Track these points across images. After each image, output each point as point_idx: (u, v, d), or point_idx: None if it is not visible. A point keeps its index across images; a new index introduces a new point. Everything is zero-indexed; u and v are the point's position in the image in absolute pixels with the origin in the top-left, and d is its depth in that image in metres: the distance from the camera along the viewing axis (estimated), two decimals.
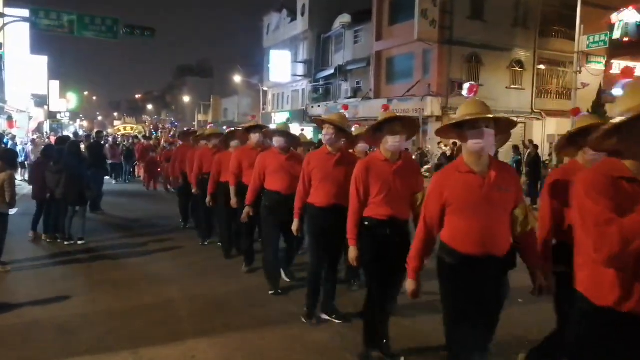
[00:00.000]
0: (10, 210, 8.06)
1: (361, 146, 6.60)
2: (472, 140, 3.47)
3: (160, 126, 32.55)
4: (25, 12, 21.29)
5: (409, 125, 4.73)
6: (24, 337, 5.45)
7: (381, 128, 4.66)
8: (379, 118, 4.71)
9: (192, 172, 9.91)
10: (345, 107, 10.92)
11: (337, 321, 5.83)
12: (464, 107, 3.62)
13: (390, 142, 4.58)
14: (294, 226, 5.93)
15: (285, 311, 6.22)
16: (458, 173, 3.55)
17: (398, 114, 4.86)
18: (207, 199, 8.95)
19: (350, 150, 6.28)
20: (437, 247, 3.74)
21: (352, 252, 4.78)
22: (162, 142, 22.46)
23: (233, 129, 10.06)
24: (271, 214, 6.66)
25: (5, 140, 20.32)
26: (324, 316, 5.91)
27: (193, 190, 9.99)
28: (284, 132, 6.94)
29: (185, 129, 24.39)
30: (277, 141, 6.75)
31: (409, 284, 3.84)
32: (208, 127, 11.29)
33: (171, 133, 27.61)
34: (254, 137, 7.78)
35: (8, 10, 23.28)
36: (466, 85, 25.15)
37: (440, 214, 3.61)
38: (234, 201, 7.88)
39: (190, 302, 6.60)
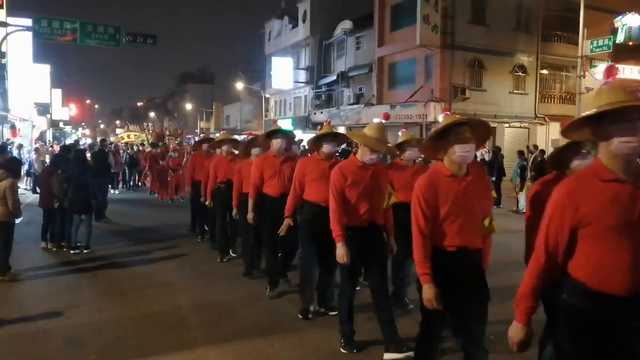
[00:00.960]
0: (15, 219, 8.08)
1: (408, 154, 6.25)
2: (622, 137, 2.53)
3: (167, 133, 31.84)
4: (28, 22, 21.30)
5: (479, 129, 3.92)
6: (32, 346, 5.42)
7: (445, 135, 3.82)
8: (442, 122, 3.95)
9: (206, 182, 9.54)
10: (386, 116, 11.95)
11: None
12: (606, 94, 2.62)
13: (459, 152, 3.77)
14: (339, 251, 5.00)
15: (295, 319, 6.18)
16: (599, 181, 2.60)
17: (463, 118, 3.99)
18: (234, 212, 8.11)
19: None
20: None
21: (428, 293, 3.77)
22: (170, 149, 21.83)
23: (253, 135, 9.30)
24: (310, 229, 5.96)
25: (9, 149, 20.32)
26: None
27: (207, 203, 9.56)
28: (331, 134, 6.17)
29: (201, 136, 24.20)
30: (326, 147, 6.06)
31: (516, 331, 2.83)
32: (221, 132, 10.80)
33: (177, 139, 27.04)
34: (276, 144, 7.10)
35: (11, 20, 23.31)
36: (601, 68, 23.05)
37: (569, 239, 2.68)
38: (250, 216, 7.25)
39: (199, 310, 6.56)
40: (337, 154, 7.17)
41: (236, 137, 10.17)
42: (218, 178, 9.10)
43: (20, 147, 22.85)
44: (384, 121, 7.38)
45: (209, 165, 9.56)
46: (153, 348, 5.33)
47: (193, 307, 6.71)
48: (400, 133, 6.50)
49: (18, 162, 9.23)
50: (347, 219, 5.07)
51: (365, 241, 5.10)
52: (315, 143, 6.21)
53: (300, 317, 6.16)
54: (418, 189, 3.82)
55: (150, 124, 52.95)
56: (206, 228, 10.93)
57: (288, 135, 7.61)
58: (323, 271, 6.17)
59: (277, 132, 7.24)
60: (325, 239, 5.38)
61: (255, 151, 8.08)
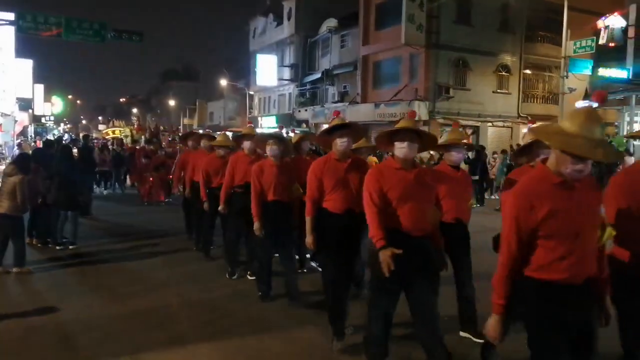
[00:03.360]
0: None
1: (455, 155, 5.42)
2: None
3: (162, 128, 30.31)
4: (11, 16, 21.06)
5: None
6: (23, 343, 5.41)
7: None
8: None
9: (225, 183, 7.80)
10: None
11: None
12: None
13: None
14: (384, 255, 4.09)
15: (284, 315, 6.23)
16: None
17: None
18: (256, 226, 6.50)
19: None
20: None
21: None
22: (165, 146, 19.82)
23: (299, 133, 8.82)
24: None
25: None
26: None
27: (220, 208, 7.91)
28: (347, 124, 5.48)
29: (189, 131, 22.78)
30: (341, 142, 5.31)
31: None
32: (247, 125, 9.46)
33: (171, 136, 25.62)
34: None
35: None
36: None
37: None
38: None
39: (188, 307, 6.59)
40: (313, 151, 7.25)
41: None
42: (235, 180, 7.59)
43: None
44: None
45: (200, 164, 8.83)
46: (144, 344, 5.35)
47: (182, 303, 6.73)
48: (446, 131, 5.83)
49: (28, 158, 9.18)
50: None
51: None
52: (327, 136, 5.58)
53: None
54: (518, 200, 3.20)
55: (135, 118, 52.26)
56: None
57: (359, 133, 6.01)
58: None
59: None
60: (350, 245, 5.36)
61: (247, 145, 7.69)
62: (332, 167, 5.30)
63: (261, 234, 6.51)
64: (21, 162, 8.49)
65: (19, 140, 26.03)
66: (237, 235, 7.92)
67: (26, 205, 8.23)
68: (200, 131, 18.72)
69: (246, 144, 7.79)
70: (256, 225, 6.49)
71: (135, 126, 30.57)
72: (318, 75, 37.78)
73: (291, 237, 6.83)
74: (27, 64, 37.61)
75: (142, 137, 25.19)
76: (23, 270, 8.04)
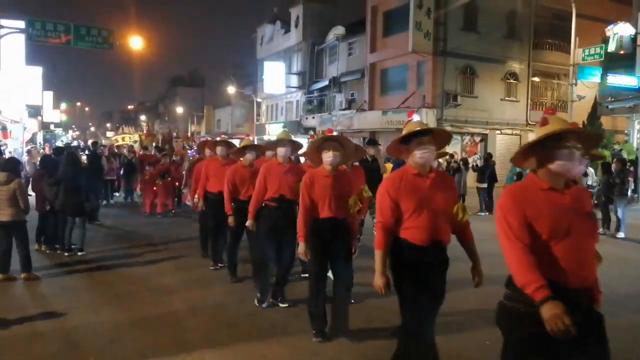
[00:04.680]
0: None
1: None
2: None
3: (175, 134, 30.00)
4: (21, 24, 21.18)
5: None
6: (29, 347, 5.42)
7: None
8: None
9: (255, 195, 6.73)
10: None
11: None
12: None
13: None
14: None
15: (290, 322, 6.22)
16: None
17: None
18: (302, 249, 5.55)
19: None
20: None
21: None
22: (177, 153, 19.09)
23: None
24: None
25: (1, 150, 20.24)
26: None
27: (248, 224, 6.88)
28: (430, 129, 4.36)
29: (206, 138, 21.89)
30: (421, 153, 4.16)
31: None
32: (282, 130, 8.11)
33: (185, 143, 25.06)
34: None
35: (4, 22, 23.18)
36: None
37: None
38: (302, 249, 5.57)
39: (195, 313, 6.58)
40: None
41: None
42: (269, 193, 6.57)
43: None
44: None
45: (229, 173, 7.67)
46: (150, 350, 5.35)
47: (189, 309, 6.72)
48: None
49: (17, 162, 9.24)
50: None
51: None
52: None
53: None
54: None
55: (144, 124, 52.25)
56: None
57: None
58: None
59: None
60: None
61: (281, 152, 6.66)
62: (412, 185, 4.12)
63: (308, 258, 5.58)
64: (12, 167, 8.46)
65: (28, 147, 26.11)
66: (264, 257, 6.91)
67: (29, 207, 8.24)
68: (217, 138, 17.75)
69: (281, 151, 6.65)
70: (302, 247, 5.50)
71: (145, 132, 30.41)
72: (325, 83, 37.84)
73: (347, 265, 5.67)
74: (37, 72, 37.78)
75: (152, 143, 24.89)
76: (30, 276, 8.07)
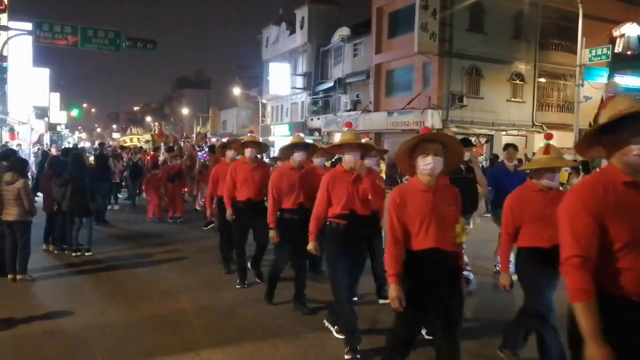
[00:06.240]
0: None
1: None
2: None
3: (184, 135, 29.64)
4: (29, 26, 21.28)
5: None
6: (37, 347, 5.46)
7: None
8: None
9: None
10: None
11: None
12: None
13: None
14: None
15: (297, 322, 6.24)
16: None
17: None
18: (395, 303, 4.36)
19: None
20: None
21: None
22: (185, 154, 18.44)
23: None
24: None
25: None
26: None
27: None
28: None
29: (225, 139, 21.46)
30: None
31: None
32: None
33: (196, 143, 24.53)
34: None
35: (12, 24, 23.31)
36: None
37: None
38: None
39: (202, 313, 6.61)
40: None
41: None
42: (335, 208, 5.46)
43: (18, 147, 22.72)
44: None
45: (274, 178, 6.73)
46: (158, 349, 5.38)
47: (196, 309, 6.76)
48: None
49: (23, 162, 9.28)
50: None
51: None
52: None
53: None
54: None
55: (156, 124, 51.92)
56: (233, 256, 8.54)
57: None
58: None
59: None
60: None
61: (297, 156, 6.57)
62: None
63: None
64: (19, 167, 8.44)
65: (35, 149, 26.19)
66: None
67: (34, 208, 8.27)
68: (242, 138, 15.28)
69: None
70: (394, 299, 3.92)
71: (157, 132, 30.01)
72: (331, 84, 37.86)
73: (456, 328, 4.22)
74: (44, 73, 37.94)
75: (163, 143, 24.62)
76: (26, 277, 8.06)
